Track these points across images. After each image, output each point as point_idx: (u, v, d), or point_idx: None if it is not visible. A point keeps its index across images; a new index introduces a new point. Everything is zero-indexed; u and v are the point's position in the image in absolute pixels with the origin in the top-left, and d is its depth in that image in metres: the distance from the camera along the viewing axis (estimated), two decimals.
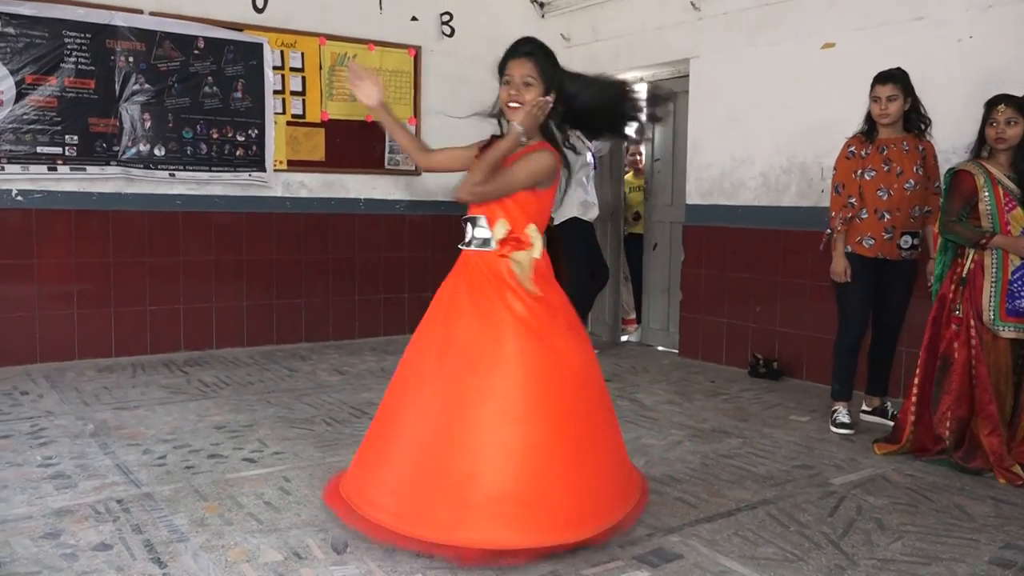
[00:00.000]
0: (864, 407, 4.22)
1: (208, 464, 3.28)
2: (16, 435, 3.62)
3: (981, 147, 3.48)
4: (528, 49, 2.53)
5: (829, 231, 4.00)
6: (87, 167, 5.11)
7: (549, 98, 2.50)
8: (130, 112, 5.21)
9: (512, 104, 2.51)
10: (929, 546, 2.62)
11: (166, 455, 3.39)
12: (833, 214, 3.95)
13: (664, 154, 6.31)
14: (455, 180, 7.11)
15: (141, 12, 5.21)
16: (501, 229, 2.52)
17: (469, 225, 2.56)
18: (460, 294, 2.54)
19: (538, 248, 2.54)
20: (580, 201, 5.71)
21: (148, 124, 5.28)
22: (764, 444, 3.74)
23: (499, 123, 2.66)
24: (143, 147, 5.28)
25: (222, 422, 3.90)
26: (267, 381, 4.82)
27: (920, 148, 3.89)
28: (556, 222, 6.12)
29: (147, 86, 5.25)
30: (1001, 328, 3.35)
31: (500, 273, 2.50)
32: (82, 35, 5.01)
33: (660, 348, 6.33)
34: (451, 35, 6.50)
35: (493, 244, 2.53)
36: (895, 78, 3.81)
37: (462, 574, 2.37)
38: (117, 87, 5.15)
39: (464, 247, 2.59)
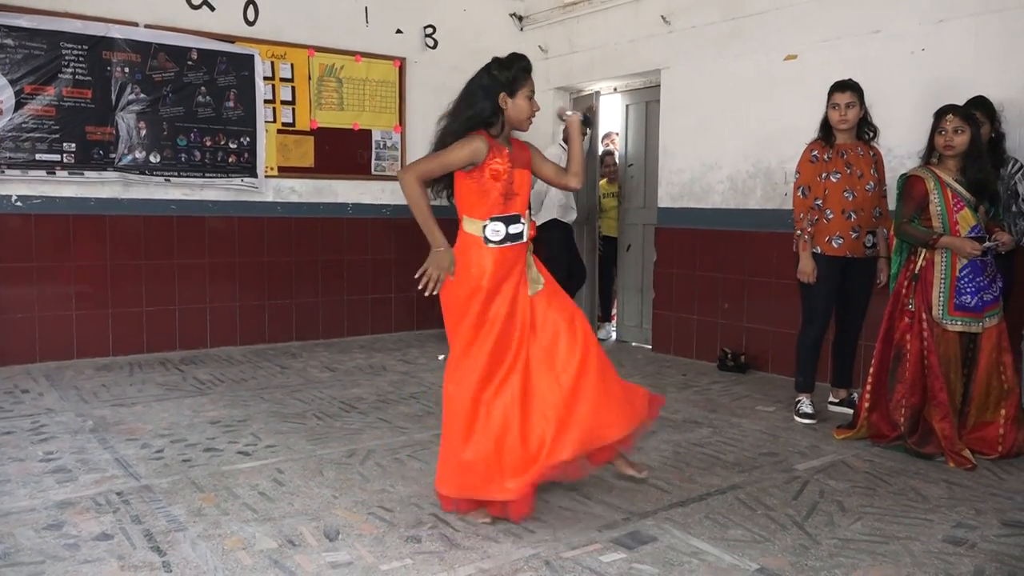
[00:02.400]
0: (831, 399, 4.40)
1: (204, 457, 3.40)
2: (18, 432, 3.73)
3: (931, 153, 3.65)
4: (531, 65, 2.85)
5: (798, 232, 4.11)
6: (84, 173, 5.29)
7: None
8: (126, 121, 5.39)
9: (532, 118, 2.87)
10: (886, 526, 2.78)
11: (163, 449, 3.51)
12: (801, 216, 4.07)
13: (637, 160, 6.52)
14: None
15: (137, 25, 5.39)
16: (527, 220, 2.80)
17: (502, 224, 2.74)
18: (518, 289, 2.77)
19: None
20: (560, 204, 5.93)
21: (143, 132, 5.47)
22: (733, 433, 3.92)
23: (489, 118, 2.87)
24: (139, 154, 5.47)
25: (217, 417, 4.05)
26: (260, 378, 4.99)
27: (872, 154, 4.10)
28: (537, 223, 6.35)
29: (142, 96, 5.44)
30: (949, 322, 3.53)
31: (525, 259, 2.81)
32: (79, 47, 5.19)
33: (634, 344, 6.52)
34: (434, 47, 6.71)
35: (525, 236, 2.79)
36: (853, 87, 4.00)
37: (449, 557, 2.55)
38: (113, 96, 5.33)
39: (498, 245, 2.74)
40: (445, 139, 2.77)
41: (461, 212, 2.83)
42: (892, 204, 4.32)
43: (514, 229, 2.75)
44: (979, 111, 3.76)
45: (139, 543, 2.54)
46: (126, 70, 5.37)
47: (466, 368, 2.72)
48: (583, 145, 2.85)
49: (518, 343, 2.72)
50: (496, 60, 2.79)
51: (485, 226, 2.74)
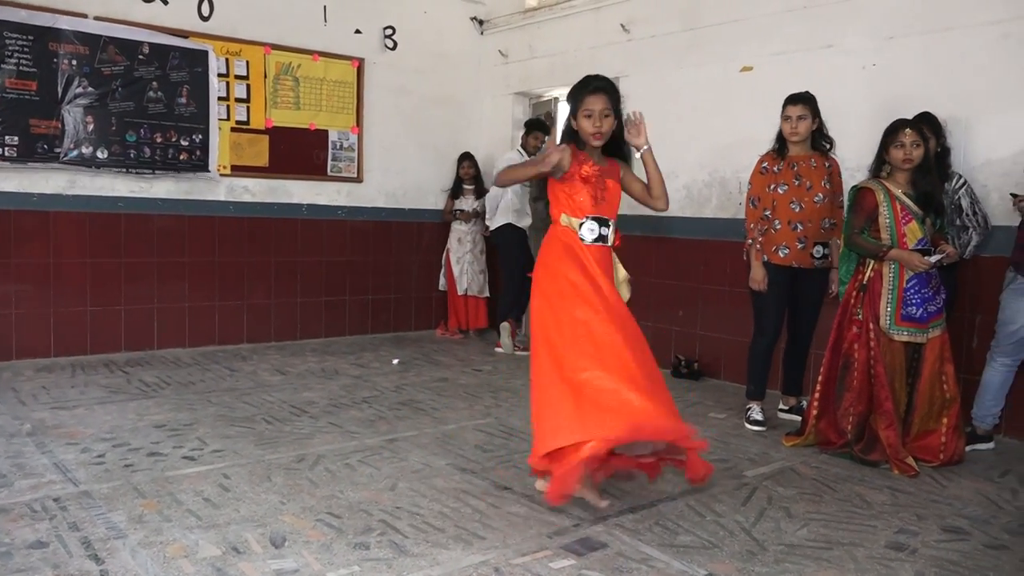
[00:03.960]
0: (781, 406, 4.48)
1: (147, 462, 3.32)
2: None
3: (880, 166, 3.72)
4: (603, 84, 3.01)
5: (750, 241, 4.20)
6: (28, 168, 5.13)
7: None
8: (73, 114, 5.25)
9: (597, 134, 2.98)
10: (831, 532, 2.83)
11: (105, 454, 3.41)
12: (751, 226, 4.18)
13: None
14: (396, 187, 7.30)
15: (85, 16, 5.25)
16: (614, 226, 3.06)
17: (596, 224, 2.99)
18: (599, 277, 2.97)
19: None
20: (515, 209, 5.94)
21: (91, 127, 5.32)
22: None
23: (571, 138, 3.08)
24: (86, 149, 5.32)
25: (162, 421, 3.95)
26: (208, 381, 4.89)
27: (827, 165, 4.18)
28: (491, 228, 6.36)
29: (90, 89, 5.30)
30: (895, 332, 3.61)
31: (610, 259, 3.07)
32: (24, 37, 5.03)
33: None
34: (394, 48, 6.66)
35: (610, 240, 3.04)
36: (804, 99, 4.08)
37: (398, 564, 2.52)
38: (60, 89, 5.18)
39: (590, 243, 2.99)
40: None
41: (557, 212, 3.06)
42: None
43: (604, 231, 3.01)
44: (926, 126, 3.85)
45: (76, 551, 2.47)
46: (74, 62, 5.22)
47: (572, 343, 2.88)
48: (652, 164, 3.11)
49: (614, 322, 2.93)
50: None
51: (582, 224, 3.00)
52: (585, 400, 2.75)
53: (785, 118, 4.10)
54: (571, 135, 3.05)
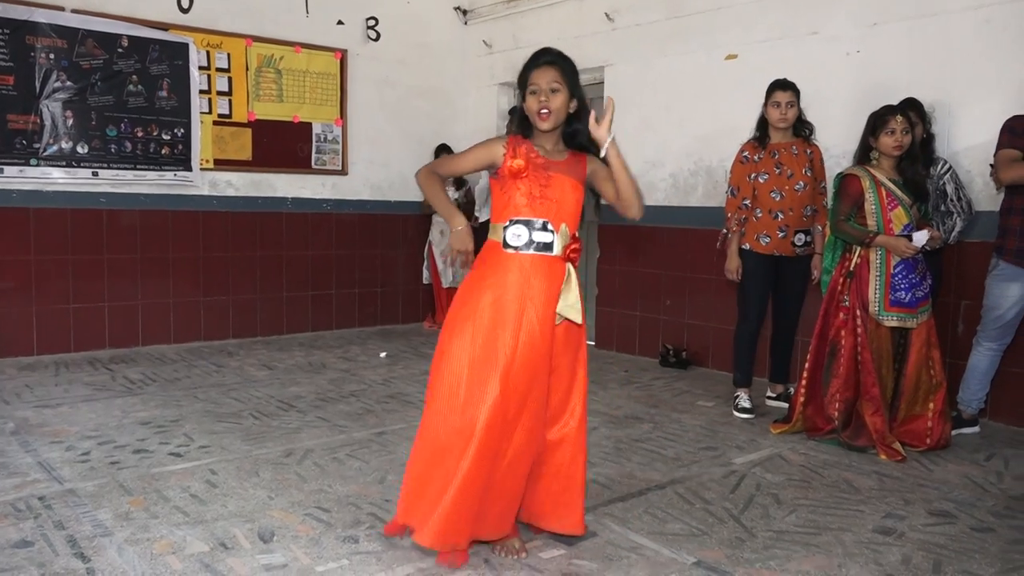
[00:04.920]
0: (769, 393, 4.50)
1: (133, 459, 3.30)
2: None
3: (865, 153, 3.72)
4: (550, 58, 2.44)
5: (725, 231, 4.25)
6: (6, 165, 5.06)
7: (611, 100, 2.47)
8: (51, 109, 5.18)
9: (543, 111, 2.39)
10: (820, 517, 2.85)
11: (90, 451, 3.39)
12: (729, 215, 4.20)
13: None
14: (381, 179, 7.27)
15: (63, 9, 5.18)
16: (565, 233, 2.44)
17: (524, 228, 2.41)
18: (528, 302, 2.40)
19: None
20: None
21: (70, 122, 5.26)
22: (673, 428, 3.97)
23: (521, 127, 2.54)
24: (65, 145, 5.26)
25: (148, 418, 3.93)
26: (194, 377, 4.86)
27: (808, 152, 4.19)
28: (480, 219, 6.34)
29: (69, 83, 5.23)
30: (885, 318, 3.63)
31: (560, 276, 2.44)
32: (0, 31, 4.96)
33: None
34: (377, 39, 6.62)
35: (556, 249, 2.42)
36: (793, 86, 4.09)
37: (387, 557, 2.51)
38: (37, 84, 5.11)
39: (515, 250, 2.42)
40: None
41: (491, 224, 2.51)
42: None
43: (540, 237, 2.40)
44: (912, 112, 3.86)
45: (61, 550, 2.45)
46: (51, 56, 5.15)
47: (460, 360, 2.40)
48: (618, 164, 2.41)
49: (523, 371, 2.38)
50: None
51: (505, 228, 2.42)
52: (423, 476, 2.40)
53: (774, 104, 4.09)
54: (520, 123, 2.51)
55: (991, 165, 3.83)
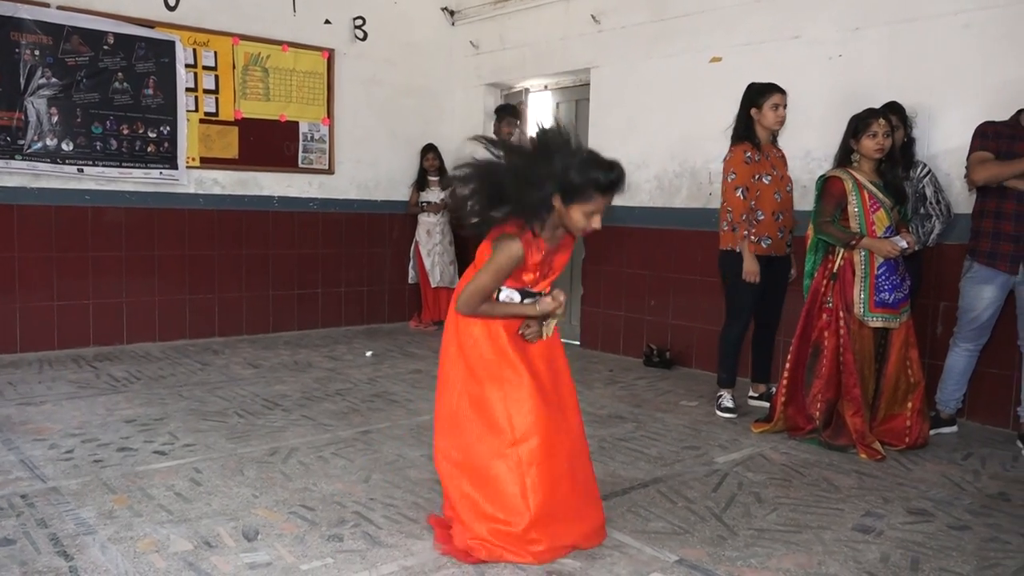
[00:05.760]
0: (751, 393, 4.53)
1: (117, 457, 3.29)
2: None
3: (847, 155, 3.74)
4: (616, 181, 2.35)
5: (745, 234, 4.06)
6: None
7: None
8: (36, 106, 5.15)
9: (587, 229, 2.40)
10: (800, 516, 2.88)
11: (74, 449, 3.38)
12: (743, 217, 4.07)
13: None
14: (368, 178, 7.26)
15: (48, 6, 5.15)
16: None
17: (517, 295, 2.51)
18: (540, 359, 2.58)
19: None
20: None
21: (55, 118, 5.23)
22: (656, 428, 3.99)
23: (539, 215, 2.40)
24: (50, 141, 5.23)
25: (132, 416, 3.91)
26: (179, 375, 4.85)
27: (781, 155, 4.26)
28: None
29: (54, 80, 5.20)
30: (870, 319, 3.66)
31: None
32: None
33: (563, 340, 6.48)
34: (364, 39, 6.61)
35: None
36: (784, 90, 4.13)
37: (371, 555, 2.52)
38: (22, 80, 5.08)
39: None
40: (483, 222, 2.42)
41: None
42: (799, 204, 4.48)
43: (528, 301, 2.51)
44: (894, 115, 3.91)
45: (44, 548, 2.44)
46: (36, 53, 5.12)
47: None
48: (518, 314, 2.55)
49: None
50: (565, 146, 2.34)
51: (499, 292, 2.48)
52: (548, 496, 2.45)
53: (773, 106, 4.08)
54: (545, 210, 2.36)
55: (966, 167, 3.89)
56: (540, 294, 2.51)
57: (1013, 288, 3.73)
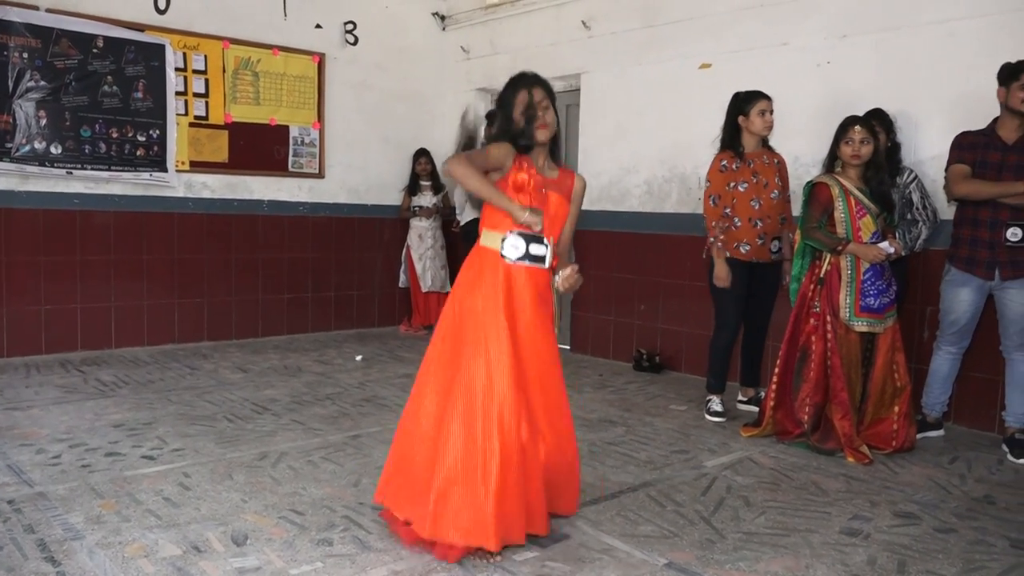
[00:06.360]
0: (740, 397, 4.55)
1: (105, 462, 3.28)
2: None
3: (833, 162, 3.80)
4: (536, 77, 2.66)
5: (712, 239, 4.20)
6: None
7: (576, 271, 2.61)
8: (24, 109, 5.12)
9: (541, 127, 2.57)
10: (788, 519, 2.90)
11: (61, 454, 3.36)
12: (713, 224, 4.18)
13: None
14: (358, 182, 7.25)
15: (37, 8, 5.13)
16: (551, 246, 2.60)
17: (522, 240, 2.53)
18: (526, 307, 2.56)
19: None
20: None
21: (44, 121, 5.21)
22: (646, 432, 4.01)
23: (522, 137, 2.61)
24: (38, 144, 5.20)
25: (120, 420, 3.90)
26: (167, 379, 4.83)
27: (776, 161, 4.27)
28: (462, 223, 6.37)
29: (43, 83, 5.18)
30: (856, 323, 3.69)
31: (549, 286, 2.63)
32: None
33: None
34: (355, 43, 6.62)
35: (548, 262, 2.58)
36: (769, 96, 4.17)
37: (361, 559, 2.51)
38: (10, 83, 5.06)
39: (513, 261, 2.54)
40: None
41: (482, 226, 2.64)
42: (796, 210, 4.50)
43: (536, 250, 2.53)
44: (876, 122, 3.95)
45: (31, 553, 2.43)
46: (24, 55, 5.10)
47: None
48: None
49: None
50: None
51: (504, 239, 2.53)
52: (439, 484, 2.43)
53: (759, 113, 4.13)
54: (508, 134, 2.60)
55: (945, 180, 3.94)
56: (542, 239, 2.55)
57: (993, 294, 3.78)
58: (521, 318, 2.55)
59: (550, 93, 2.64)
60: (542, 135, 2.58)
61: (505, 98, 2.65)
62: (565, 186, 2.68)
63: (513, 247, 2.54)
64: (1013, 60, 3.64)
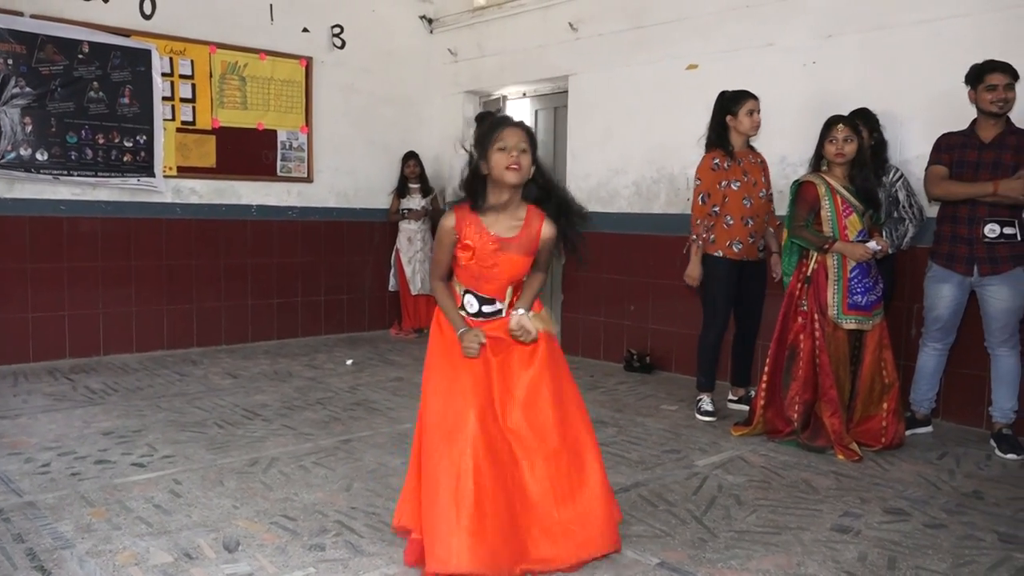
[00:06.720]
0: (730, 396, 4.57)
1: (95, 470, 3.26)
2: None
3: (819, 161, 3.82)
4: (517, 122, 2.54)
5: (695, 236, 4.22)
6: None
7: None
8: (9, 115, 5.09)
9: (514, 166, 2.43)
10: (779, 517, 2.91)
11: (50, 463, 3.34)
12: (698, 221, 4.19)
13: (545, 164, 6.56)
14: (347, 186, 7.23)
15: (21, 15, 5.10)
16: (509, 294, 2.56)
17: (474, 299, 2.53)
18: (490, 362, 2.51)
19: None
20: None
21: (29, 128, 5.18)
22: (637, 432, 4.02)
23: (471, 188, 2.53)
24: (24, 151, 5.17)
25: (110, 428, 3.88)
26: (157, 386, 4.81)
27: (760, 161, 4.30)
28: None
29: (28, 89, 5.15)
30: (844, 321, 3.72)
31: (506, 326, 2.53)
32: None
33: None
34: (342, 47, 6.62)
35: (504, 312, 2.55)
36: (756, 96, 4.18)
37: (354, 564, 2.51)
38: None
39: (470, 316, 2.54)
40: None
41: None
42: (780, 210, 4.53)
43: (488, 308, 2.53)
44: (860, 120, 3.97)
45: (21, 563, 2.41)
46: (10, 62, 5.07)
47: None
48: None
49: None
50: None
51: (464, 293, 2.55)
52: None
53: (748, 112, 4.15)
54: (472, 181, 2.51)
55: (924, 180, 3.97)
56: (495, 301, 2.52)
57: (975, 290, 3.82)
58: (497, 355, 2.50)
59: (531, 137, 2.51)
60: (512, 178, 2.44)
61: (480, 138, 2.52)
62: (528, 244, 2.50)
63: (469, 304, 2.54)
64: (996, 59, 3.67)
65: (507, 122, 2.53)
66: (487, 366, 2.48)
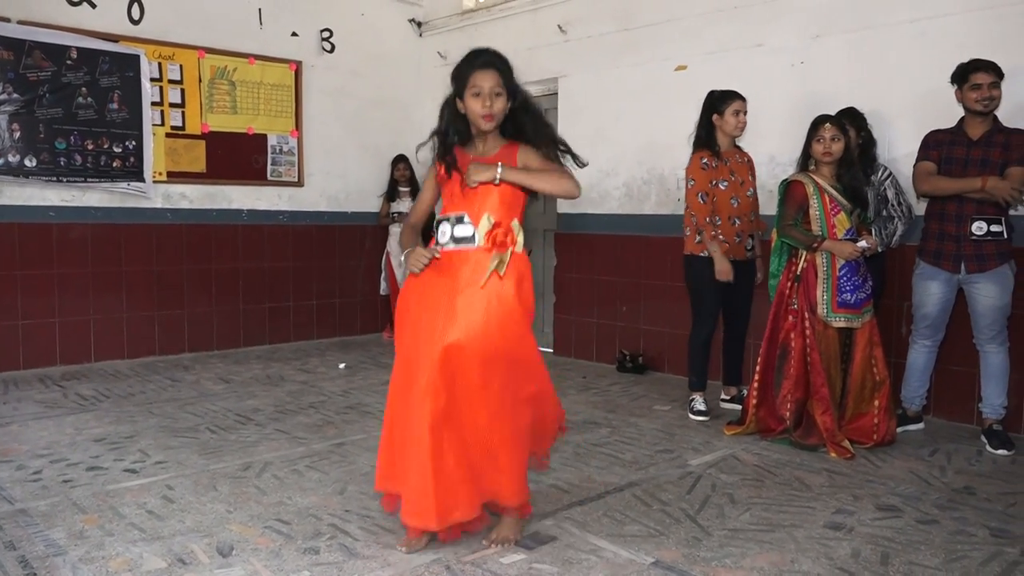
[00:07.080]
0: (723, 396, 4.59)
1: (87, 477, 3.25)
2: None
3: (807, 160, 3.85)
4: (489, 59, 2.51)
5: (711, 235, 4.16)
6: None
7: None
8: None
9: (486, 115, 2.48)
10: (773, 515, 2.93)
11: (42, 470, 3.32)
12: (705, 220, 4.16)
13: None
14: (338, 190, 7.23)
15: (8, 21, 5.08)
16: (486, 223, 2.51)
17: (447, 224, 2.54)
18: (443, 295, 2.51)
19: (520, 243, 2.57)
20: None
21: (17, 134, 5.15)
22: (630, 432, 4.03)
23: (448, 135, 2.61)
24: (12, 158, 5.15)
25: (102, 434, 3.86)
26: (149, 392, 4.79)
27: (747, 160, 4.33)
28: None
29: (15, 95, 5.12)
30: (833, 319, 3.74)
31: (484, 268, 2.49)
32: None
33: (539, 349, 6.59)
34: (331, 51, 6.61)
35: (478, 240, 2.51)
36: (744, 96, 4.21)
37: (349, 567, 2.51)
38: None
39: (444, 246, 2.55)
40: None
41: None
42: (767, 209, 4.55)
43: (460, 231, 2.52)
44: (847, 119, 4.00)
45: (13, 571, 2.40)
46: None
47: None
48: (521, 180, 2.54)
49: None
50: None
51: (439, 223, 2.59)
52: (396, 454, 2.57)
53: (735, 112, 4.17)
54: (452, 119, 2.57)
55: (913, 176, 4.00)
56: (463, 218, 2.53)
57: (963, 288, 3.84)
58: (434, 296, 2.53)
59: (506, 76, 2.50)
60: (486, 126, 2.52)
61: (457, 75, 2.54)
62: (506, 156, 2.55)
63: (442, 232, 2.58)
64: (982, 58, 3.70)
65: (481, 60, 2.52)
66: (437, 304, 2.52)
